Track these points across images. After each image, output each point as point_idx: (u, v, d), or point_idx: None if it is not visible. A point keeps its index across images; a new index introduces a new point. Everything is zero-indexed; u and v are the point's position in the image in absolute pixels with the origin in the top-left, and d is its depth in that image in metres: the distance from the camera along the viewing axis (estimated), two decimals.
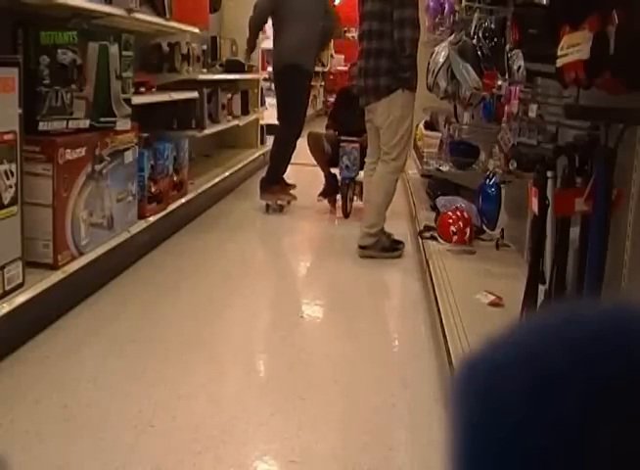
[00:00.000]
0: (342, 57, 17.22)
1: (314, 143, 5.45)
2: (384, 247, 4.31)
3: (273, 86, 5.69)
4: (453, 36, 4.38)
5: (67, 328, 2.93)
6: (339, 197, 5.40)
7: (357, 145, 5.06)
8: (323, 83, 15.78)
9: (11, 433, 2.12)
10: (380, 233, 4.28)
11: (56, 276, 2.89)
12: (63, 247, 2.99)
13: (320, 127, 6.29)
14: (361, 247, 4.28)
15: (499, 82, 3.30)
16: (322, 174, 5.57)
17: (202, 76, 5.34)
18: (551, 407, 0.34)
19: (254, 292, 3.71)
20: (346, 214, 5.23)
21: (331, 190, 5.42)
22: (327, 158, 5.42)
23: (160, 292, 3.52)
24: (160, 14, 4.27)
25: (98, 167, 3.24)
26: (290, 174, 5.59)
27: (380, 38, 4.09)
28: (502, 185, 3.46)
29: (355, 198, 5.22)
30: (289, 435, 2.20)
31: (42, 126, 2.93)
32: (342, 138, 5.23)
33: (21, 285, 2.69)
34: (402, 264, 4.23)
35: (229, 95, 6.25)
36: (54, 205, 2.92)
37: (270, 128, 8.72)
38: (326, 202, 5.47)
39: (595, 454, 0.33)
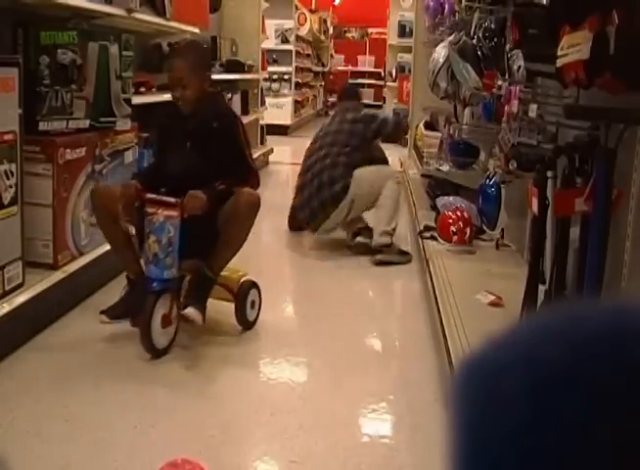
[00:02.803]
0: (342, 57, 17.25)
1: (104, 208, 2.83)
2: (399, 250, 4.31)
3: None
4: (453, 36, 4.37)
5: (66, 328, 2.93)
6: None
7: (176, 213, 2.62)
8: (323, 83, 15.78)
9: (11, 433, 2.12)
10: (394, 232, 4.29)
11: (56, 276, 2.89)
12: (63, 247, 2.99)
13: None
14: (378, 250, 4.21)
15: (499, 82, 3.29)
16: None
17: None
18: (551, 407, 0.34)
19: None
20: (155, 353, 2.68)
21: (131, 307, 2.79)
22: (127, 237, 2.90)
23: None
24: (160, 14, 4.27)
25: (98, 167, 3.25)
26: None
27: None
28: (502, 185, 3.46)
29: (174, 320, 2.71)
30: (289, 435, 2.20)
31: (42, 126, 2.93)
32: (149, 196, 2.69)
33: (21, 285, 2.69)
34: (402, 264, 4.23)
35: (229, 95, 6.25)
36: (54, 205, 2.92)
37: (270, 128, 8.74)
38: None
39: (595, 454, 0.33)
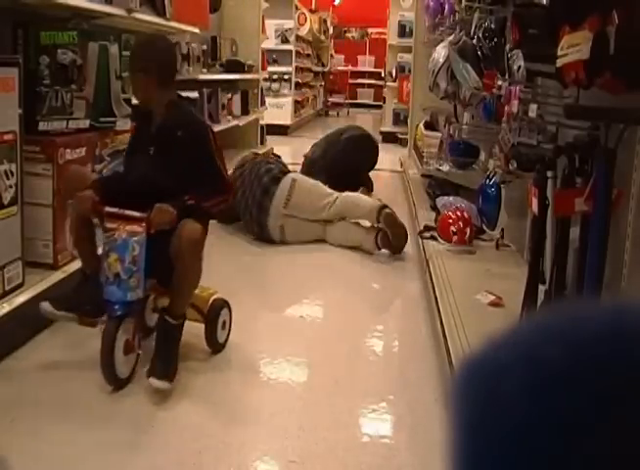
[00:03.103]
0: (342, 57, 17.25)
1: (78, 221, 2.62)
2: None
3: None
4: (453, 36, 4.38)
5: (66, 328, 2.92)
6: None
7: (141, 229, 2.39)
8: (323, 83, 15.78)
9: (11, 433, 2.12)
10: None
11: (56, 276, 2.89)
12: (63, 247, 2.99)
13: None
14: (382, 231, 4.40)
15: (499, 82, 3.29)
16: None
17: (202, 76, 5.34)
18: (552, 408, 0.34)
19: (254, 292, 3.71)
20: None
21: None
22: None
23: None
24: (160, 14, 4.27)
25: (98, 167, 3.24)
26: None
27: None
28: (502, 185, 3.46)
29: (139, 349, 2.48)
30: (289, 435, 2.20)
31: (42, 126, 2.93)
32: (109, 211, 2.44)
33: (20, 285, 2.69)
34: (402, 264, 4.23)
35: (229, 95, 6.26)
36: (54, 205, 2.91)
37: (270, 128, 8.75)
38: None
39: (595, 455, 0.33)
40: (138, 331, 2.47)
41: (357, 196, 4.65)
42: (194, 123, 2.71)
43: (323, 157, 6.00)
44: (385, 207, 4.40)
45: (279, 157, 5.37)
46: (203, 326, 2.72)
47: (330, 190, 4.64)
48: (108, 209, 2.43)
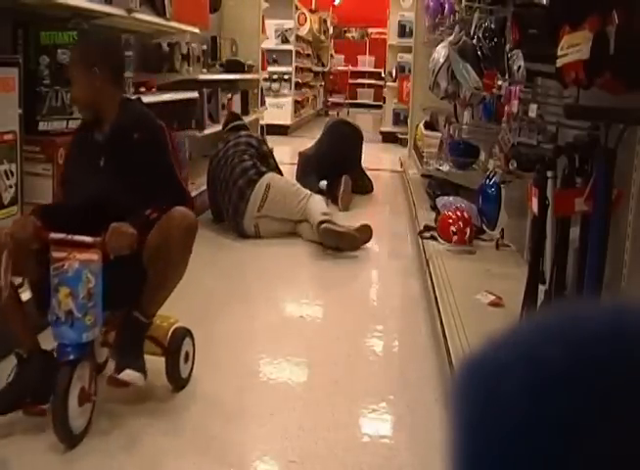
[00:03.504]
0: (342, 57, 17.25)
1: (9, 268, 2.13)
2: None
3: None
4: (453, 36, 4.38)
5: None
6: None
7: (96, 256, 2.06)
8: (323, 83, 15.78)
9: (10, 433, 2.11)
10: None
11: None
12: None
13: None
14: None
15: (499, 82, 3.29)
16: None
17: (202, 76, 5.34)
18: (552, 408, 0.34)
19: (254, 292, 3.71)
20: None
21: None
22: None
23: None
24: (160, 14, 4.27)
25: None
26: None
27: None
28: (502, 185, 3.46)
29: (95, 396, 2.11)
30: (289, 435, 2.20)
31: (42, 126, 2.94)
32: (55, 237, 2.07)
33: (21, 285, 2.69)
34: (402, 264, 4.23)
35: (229, 95, 6.25)
36: None
37: (270, 128, 8.75)
38: None
39: (596, 455, 0.33)
40: (94, 375, 2.11)
41: (315, 203, 4.63)
42: (150, 123, 2.38)
43: (315, 154, 6.14)
44: (324, 222, 4.36)
45: (261, 138, 5.33)
46: (162, 360, 2.37)
47: (303, 190, 4.74)
48: (53, 235, 2.05)
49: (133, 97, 2.71)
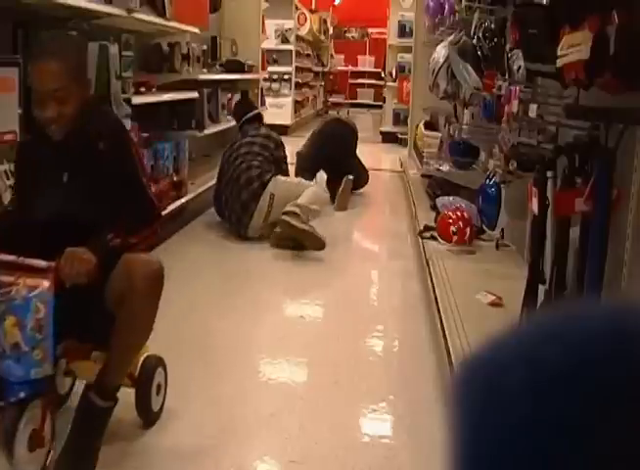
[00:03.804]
0: (342, 57, 17.25)
1: None
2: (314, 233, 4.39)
3: None
4: (453, 36, 4.38)
5: None
6: None
7: (47, 283, 1.79)
8: (323, 83, 15.77)
9: None
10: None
11: None
12: None
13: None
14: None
15: (499, 82, 3.29)
16: None
17: (202, 76, 5.34)
18: (551, 408, 0.34)
19: (254, 293, 3.71)
20: None
21: None
22: None
23: None
24: (161, 14, 4.27)
25: None
26: None
27: None
28: (502, 185, 3.46)
29: (53, 441, 1.86)
30: (289, 435, 2.20)
31: None
32: (1, 259, 1.84)
33: None
34: (402, 264, 4.23)
35: (229, 95, 6.25)
36: None
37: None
38: None
39: (596, 454, 0.33)
40: (50, 416, 1.83)
41: (306, 194, 4.51)
42: (116, 131, 2.08)
43: (307, 152, 6.11)
44: (287, 213, 4.28)
45: (280, 140, 5.13)
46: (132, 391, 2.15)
47: (305, 182, 4.75)
48: (1, 256, 1.81)
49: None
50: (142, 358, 2.16)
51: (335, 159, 5.85)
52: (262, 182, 4.54)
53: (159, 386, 2.22)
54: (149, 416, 2.18)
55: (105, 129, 2.02)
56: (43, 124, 1.92)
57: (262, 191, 4.50)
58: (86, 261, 1.79)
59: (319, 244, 4.22)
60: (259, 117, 5.24)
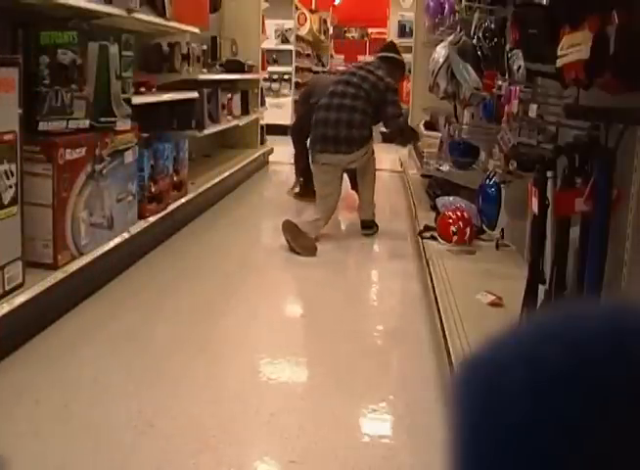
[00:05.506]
0: (342, 57, 17.24)
1: None
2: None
3: None
4: (453, 36, 4.38)
5: (66, 328, 2.93)
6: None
7: None
8: None
9: (10, 433, 2.12)
10: None
11: (56, 276, 2.89)
12: (63, 247, 2.99)
13: None
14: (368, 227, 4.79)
15: (499, 82, 3.29)
16: None
17: (202, 76, 5.35)
18: (551, 408, 0.34)
19: (255, 292, 3.71)
20: None
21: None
22: None
23: (159, 292, 3.52)
24: (161, 14, 4.27)
25: (98, 167, 3.24)
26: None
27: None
28: (502, 185, 3.46)
29: None
30: (289, 435, 2.20)
31: (42, 126, 2.93)
32: None
33: (20, 285, 2.69)
34: (402, 264, 4.23)
35: (229, 95, 6.26)
36: (54, 205, 2.91)
37: (270, 128, 8.75)
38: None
39: (596, 454, 0.33)
40: None
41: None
42: None
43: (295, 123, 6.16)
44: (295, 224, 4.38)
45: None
46: None
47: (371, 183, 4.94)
48: None
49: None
50: None
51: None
52: (362, 137, 4.58)
53: None
54: None
55: None
56: None
57: (366, 145, 4.60)
58: None
59: (311, 247, 4.30)
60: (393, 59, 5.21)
